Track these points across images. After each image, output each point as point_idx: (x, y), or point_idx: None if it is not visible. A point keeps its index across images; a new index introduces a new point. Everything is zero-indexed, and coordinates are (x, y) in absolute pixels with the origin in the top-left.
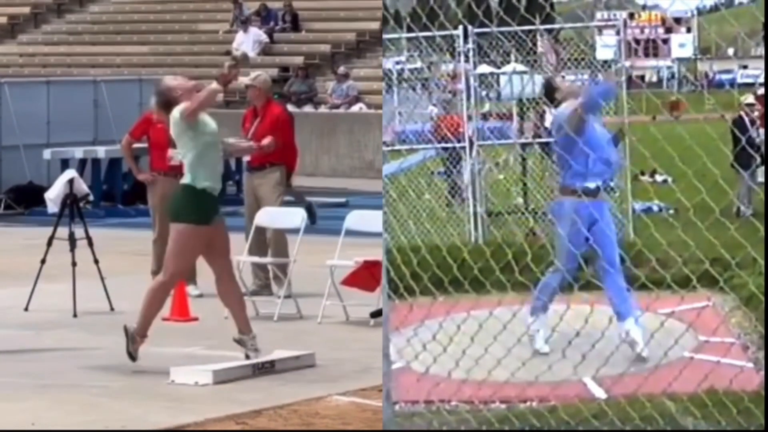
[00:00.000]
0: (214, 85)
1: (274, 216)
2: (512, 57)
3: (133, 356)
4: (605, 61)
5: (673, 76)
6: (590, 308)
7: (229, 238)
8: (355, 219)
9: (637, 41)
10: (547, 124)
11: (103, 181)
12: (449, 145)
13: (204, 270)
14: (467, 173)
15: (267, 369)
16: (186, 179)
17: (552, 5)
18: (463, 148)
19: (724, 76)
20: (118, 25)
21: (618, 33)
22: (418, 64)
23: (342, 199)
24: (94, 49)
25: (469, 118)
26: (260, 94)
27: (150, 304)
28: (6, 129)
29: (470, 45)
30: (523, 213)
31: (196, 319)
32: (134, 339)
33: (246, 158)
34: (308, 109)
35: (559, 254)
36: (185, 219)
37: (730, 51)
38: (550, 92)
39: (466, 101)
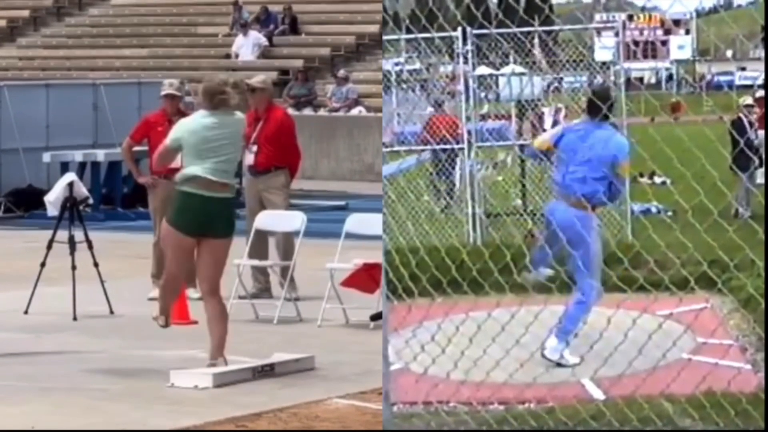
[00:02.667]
0: None
1: (274, 219)
2: (511, 58)
3: (225, 361)
4: (604, 63)
5: (671, 78)
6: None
7: None
8: (355, 222)
9: (636, 43)
10: (546, 126)
11: (102, 185)
12: (447, 146)
13: None
14: (458, 175)
15: (267, 372)
16: (231, 178)
17: (551, 7)
18: (461, 149)
19: (723, 78)
20: (118, 29)
21: (617, 35)
22: (417, 66)
23: (342, 202)
24: (93, 53)
25: (468, 119)
26: (263, 97)
27: (220, 322)
28: (5, 132)
29: (469, 46)
30: (521, 214)
31: (196, 322)
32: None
33: (248, 162)
34: (308, 112)
35: (597, 268)
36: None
37: (729, 53)
38: (604, 102)
39: (465, 103)
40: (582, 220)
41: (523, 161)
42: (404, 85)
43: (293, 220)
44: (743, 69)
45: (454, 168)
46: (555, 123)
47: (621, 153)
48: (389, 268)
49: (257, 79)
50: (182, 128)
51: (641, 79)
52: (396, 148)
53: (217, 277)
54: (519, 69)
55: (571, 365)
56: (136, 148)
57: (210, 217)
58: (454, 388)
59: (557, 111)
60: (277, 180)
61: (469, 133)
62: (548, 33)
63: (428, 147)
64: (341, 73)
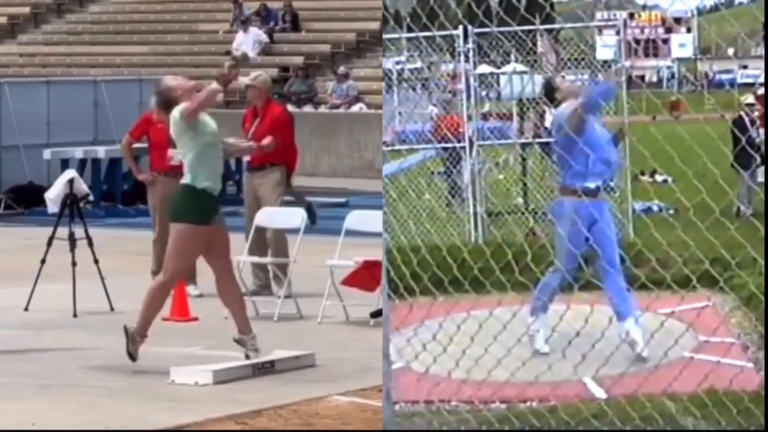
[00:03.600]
0: (214, 85)
1: (274, 216)
2: (512, 57)
3: (133, 356)
4: (605, 61)
5: (673, 76)
6: (590, 308)
7: (229, 238)
8: (355, 219)
9: (637, 41)
10: (547, 124)
11: (103, 181)
12: (449, 145)
13: (204, 270)
14: (467, 173)
15: (267, 369)
16: (186, 179)
17: (552, 5)
18: (463, 148)
19: (724, 76)
20: (118, 25)
21: (618, 33)
22: (418, 64)
23: (342, 199)
24: (94, 49)
25: (470, 118)
26: (260, 94)
27: (150, 304)
28: (6, 129)
29: (470, 45)
30: (523, 213)
31: (196, 319)
32: (134, 339)
33: (246, 158)
34: (308, 109)
35: (560, 254)
36: (185, 219)
37: (730, 51)
38: (550, 92)
39: (466, 101)
40: (559, 205)
41: (524, 159)
42: (405, 84)
43: (293, 218)
44: (745, 67)
45: (455, 167)
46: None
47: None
48: (390, 267)
49: (251, 75)
50: None
51: (642, 78)
52: (397, 147)
53: (167, 260)
54: (520, 67)
55: (540, 351)
56: (136, 145)
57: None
58: (456, 386)
59: None
60: (271, 176)
61: (460, 133)
62: (549, 31)
63: (429, 146)
64: (341, 69)
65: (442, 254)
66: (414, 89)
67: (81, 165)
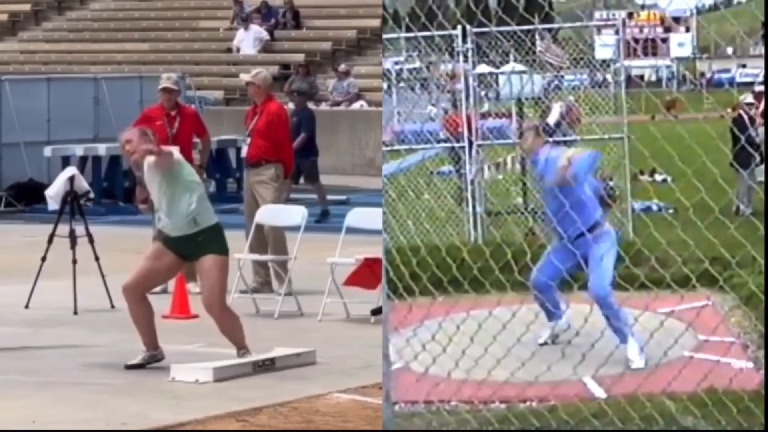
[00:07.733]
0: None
1: (274, 213)
2: (511, 57)
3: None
4: (604, 61)
5: (673, 76)
6: (590, 308)
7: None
8: (356, 216)
9: (636, 41)
10: (550, 121)
11: (103, 179)
12: (448, 144)
13: None
14: (473, 172)
15: (267, 366)
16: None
17: (551, 4)
18: (465, 148)
19: (723, 76)
20: (119, 23)
21: (617, 32)
22: (417, 64)
23: (343, 197)
24: (94, 47)
25: (484, 116)
26: (259, 90)
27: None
28: (7, 126)
29: (469, 45)
30: (522, 213)
31: (196, 316)
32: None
33: (243, 155)
34: (309, 106)
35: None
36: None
37: (729, 50)
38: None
39: (465, 101)
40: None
41: (523, 159)
42: (404, 84)
43: (293, 215)
44: (743, 66)
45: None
46: (559, 124)
47: None
48: (390, 267)
49: (252, 72)
50: None
51: (642, 77)
52: (396, 147)
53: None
54: (519, 67)
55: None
56: None
57: None
58: (456, 386)
59: (569, 110)
60: (266, 173)
61: (470, 131)
62: (548, 31)
63: (429, 147)
64: (342, 67)
65: (442, 254)
66: (413, 89)
67: (82, 162)
